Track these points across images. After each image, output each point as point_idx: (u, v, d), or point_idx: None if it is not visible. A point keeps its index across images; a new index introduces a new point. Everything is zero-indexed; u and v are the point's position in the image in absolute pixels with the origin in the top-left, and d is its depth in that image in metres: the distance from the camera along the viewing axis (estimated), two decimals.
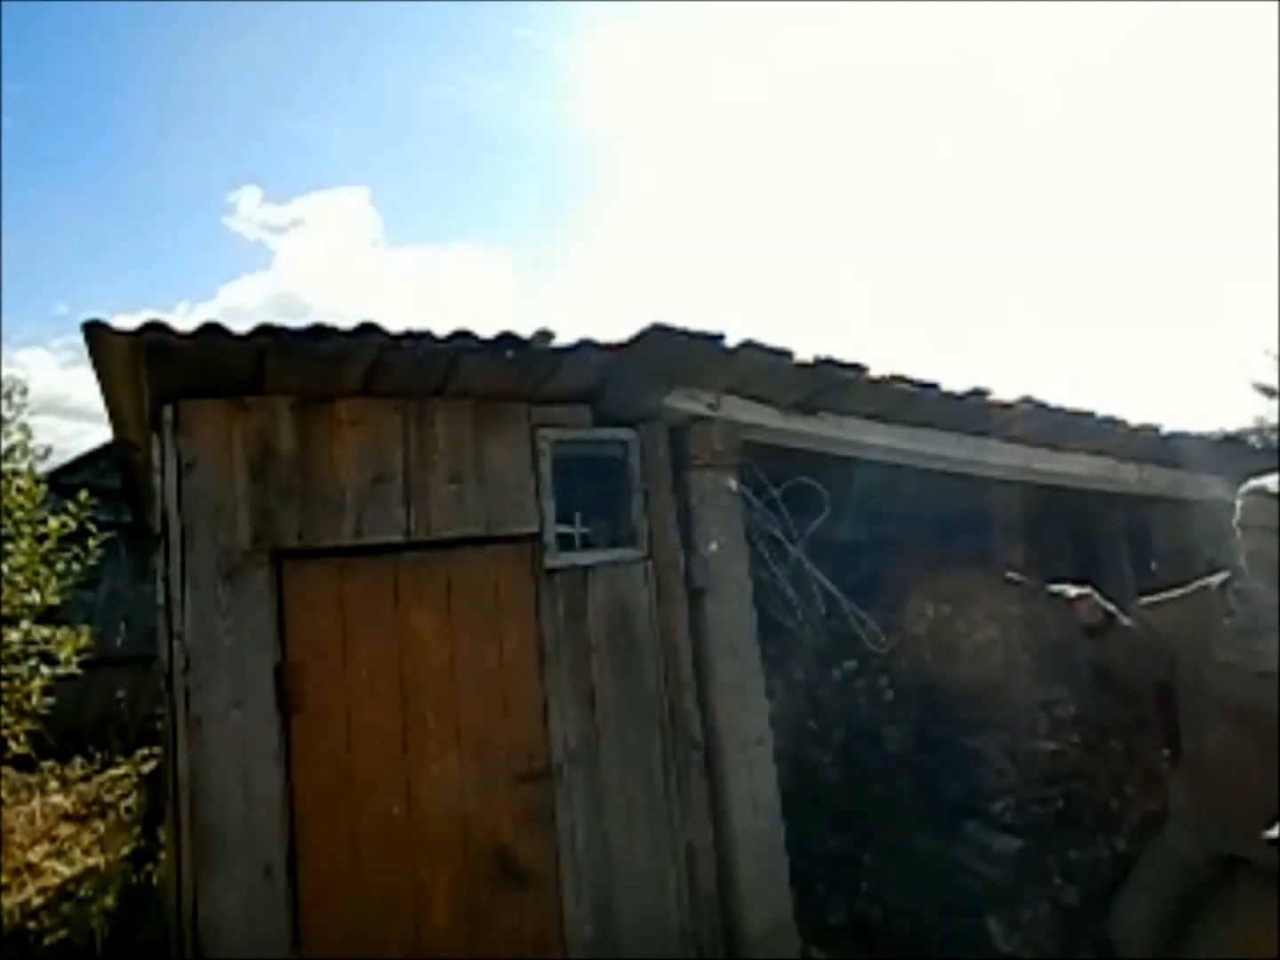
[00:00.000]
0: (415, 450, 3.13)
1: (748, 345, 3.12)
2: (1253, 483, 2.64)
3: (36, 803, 6.64)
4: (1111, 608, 2.84)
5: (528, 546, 3.27)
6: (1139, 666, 2.90)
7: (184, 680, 2.75)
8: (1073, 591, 2.82)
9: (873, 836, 4.36)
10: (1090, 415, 3.93)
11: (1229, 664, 2.54)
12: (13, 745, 6.10)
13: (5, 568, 5.95)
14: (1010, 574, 3.09)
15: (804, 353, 3.24)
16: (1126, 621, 2.85)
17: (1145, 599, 2.97)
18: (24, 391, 6.85)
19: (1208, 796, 2.60)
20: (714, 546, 3.43)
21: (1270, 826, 2.39)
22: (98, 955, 4.18)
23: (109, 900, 4.65)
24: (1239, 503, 2.65)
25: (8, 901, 4.79)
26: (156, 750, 7.23)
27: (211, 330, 2.63)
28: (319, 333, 2.73)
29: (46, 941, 4.38)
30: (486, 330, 2.93)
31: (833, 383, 3.39)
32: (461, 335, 2.88)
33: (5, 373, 6.82)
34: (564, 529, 3.35)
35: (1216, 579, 2.74)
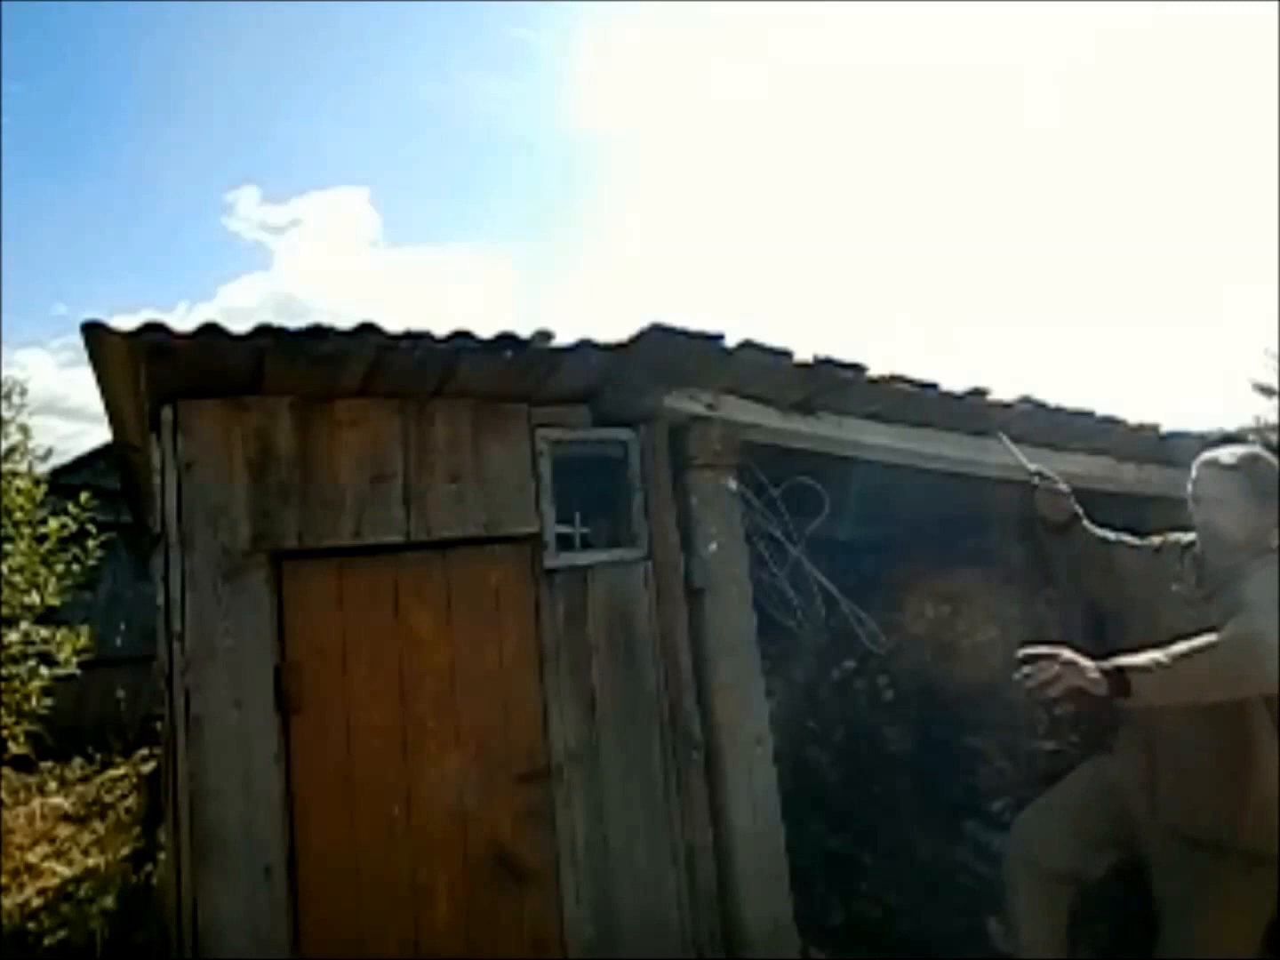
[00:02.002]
0: (415, 451, 3.13)
1: (747, 345, 3.12)
2: (1205, 455, 2.65)
3: (36, 803, 6.64)
4: (1080, 510, 2.88)
5: (527, 547, 3.27)
6: (1084, 580, 2.94)
7: (183, 680, 2.75)
8: (1053, 484, 2.88)
9: (872, 836, 4.36)
10: (1090, 415, 3.93)
11: (1171, 629, 2.56)
12: (12, 746, 6.10)
13: (5, 568, 5.95)
14: (1002, 436, 3.10)
15: (803, 353, 3.25)
16: (1096, 533, 2.88)
17: (1118, 535, 2.97)
18: (23, 392, 6.86)
19: (1163, 766, 2.60)
20: (714, 547, 3.43)
21: (1219, 810, 2.44)
22: (97, 956, 4.18)
23: (108, 901, 4.66)
24: (1192, 474, 2.66)
25: (7, 902, 4.79)
26: (156, 751, 7.22)
27: (210, 330, 2.63)
28: (318, 333, 2.73)
29: (46, 942, 4.38)
30: (486, 330, 2.93)
31: (832, 383, 3.39)
32: (460, 335, 2.88)
33: (5, 373, 6.82)
34: (564, 529, 3.34)
35: (1184, 538, 2.75)
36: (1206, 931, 2.48)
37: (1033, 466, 2.97)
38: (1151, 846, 2.64)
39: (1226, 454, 2.59)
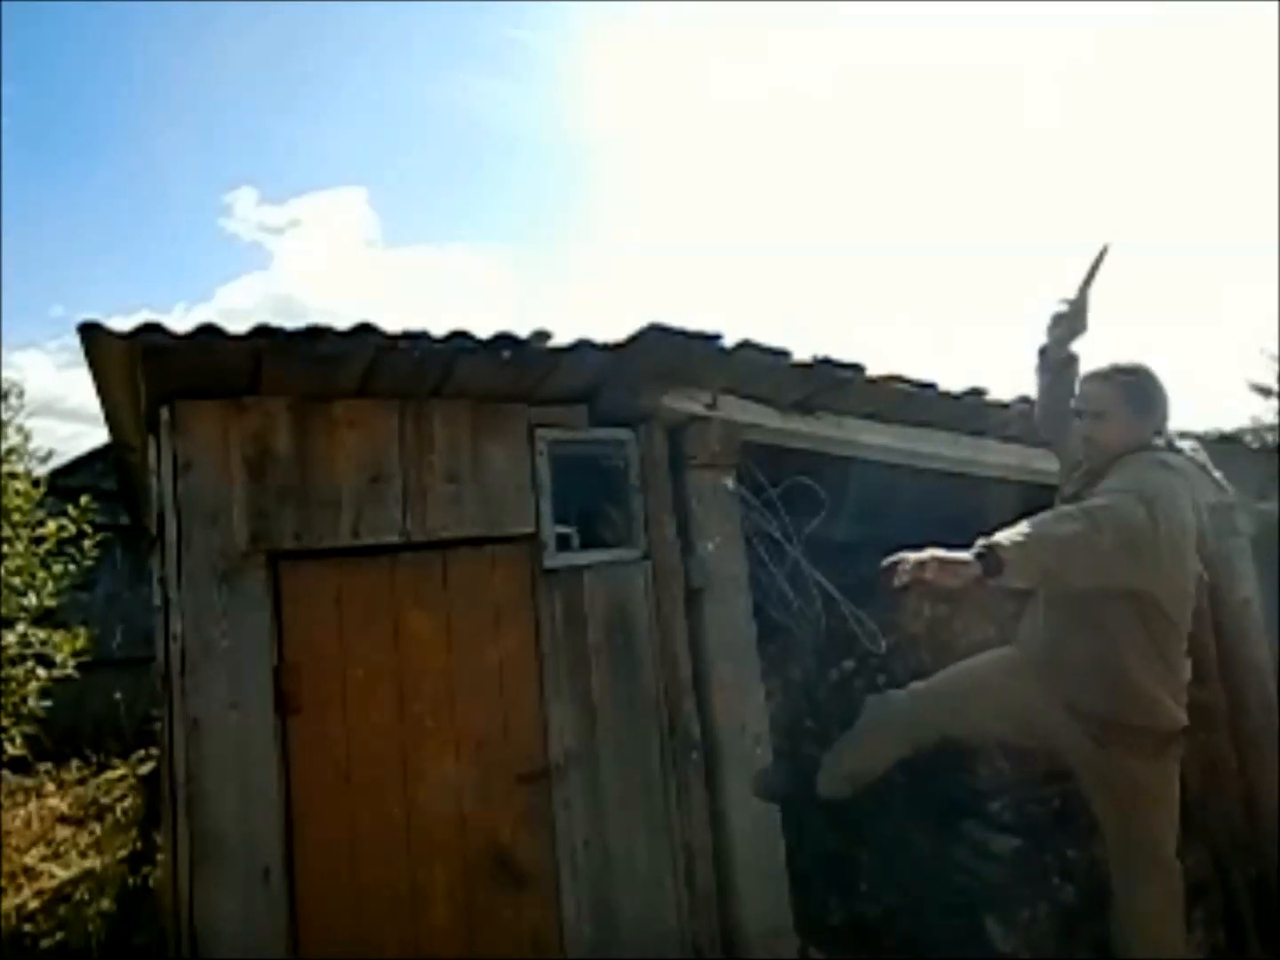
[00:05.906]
0: (412, 451, 3.13)
1: (745, 345, 3.12)
2: (1090, 370, 2.65)
3: (33, 805, 6.62)
4: (1078, 355, 2.83)
5: (525, 547, 3.27)
6: (1063, 435, 2.91)
7: (181, 682, 2.74)
8: (1080, 310, 2.78)
9: (871, 836, 4.35)
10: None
11: None
12: (9, 748, 6.08)
13: (3, 570, 5.94)
14: (1106, 249, 2.83)
15: (801, 352, 3.25)
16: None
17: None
18: (20, 394, 6.83)
19: (1065, 660, 2.66)
20: (712, 546, 3.43)
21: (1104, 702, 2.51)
22: (95, 958, 4.17)
23: (106, 903, 4.64)
24: (1079, 390, 2.67)
25: (5, 905, 4.77)
26: (154, 752, 7.21)
27: (208, 331, 2.63)
28: (316, 334, 2.73)
29: (44, 944, 4.36)
30: (484, 331, 2.93)
31: (830, 382, 3.39)
32: (458, 336, 2.88)
33: (4, 374, 6.80)
34: (562, 529, 3.34)
35: None
36: (1119, 801, 2.58)
37: (1071, 296, 2.79)
38: (1059, 736, 2.71)
39: (1109, 367, 2.61)
